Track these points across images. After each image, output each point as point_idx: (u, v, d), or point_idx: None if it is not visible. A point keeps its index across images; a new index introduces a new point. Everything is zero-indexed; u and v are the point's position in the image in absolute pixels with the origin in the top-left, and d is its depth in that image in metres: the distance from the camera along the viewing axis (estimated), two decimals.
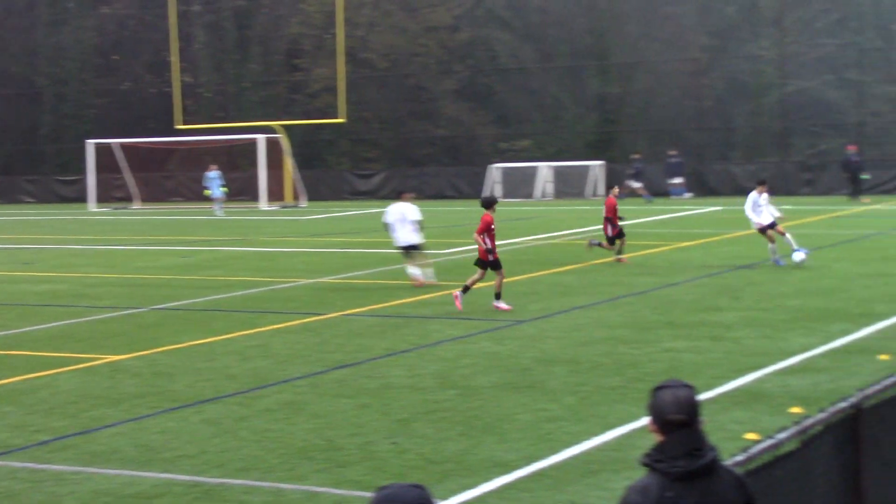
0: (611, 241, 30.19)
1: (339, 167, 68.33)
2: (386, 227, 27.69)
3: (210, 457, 13.00)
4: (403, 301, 24.57)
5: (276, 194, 61.82)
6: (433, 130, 69.57)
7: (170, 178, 68.77)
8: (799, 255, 26.86)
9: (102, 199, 65.58)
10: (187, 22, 69.58)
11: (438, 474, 11.98)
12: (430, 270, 27.23)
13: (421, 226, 27.21)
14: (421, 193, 63.48)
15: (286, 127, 62.83)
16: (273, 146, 61.90)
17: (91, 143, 66.13)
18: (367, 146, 70.11)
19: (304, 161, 65.35)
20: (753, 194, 28.41)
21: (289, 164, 62.25)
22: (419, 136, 69.42)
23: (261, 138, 61.49)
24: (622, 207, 32.18)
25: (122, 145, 66.24)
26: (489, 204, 23.90)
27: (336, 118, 60.97)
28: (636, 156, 59.21)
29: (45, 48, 76.16)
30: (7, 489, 12.14)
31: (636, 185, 57.30)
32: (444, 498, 11.12)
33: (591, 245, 30.79)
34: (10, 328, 22.50)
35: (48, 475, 12.57)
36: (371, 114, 68.84)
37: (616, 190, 32.80)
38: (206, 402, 15.65)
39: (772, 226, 27.91)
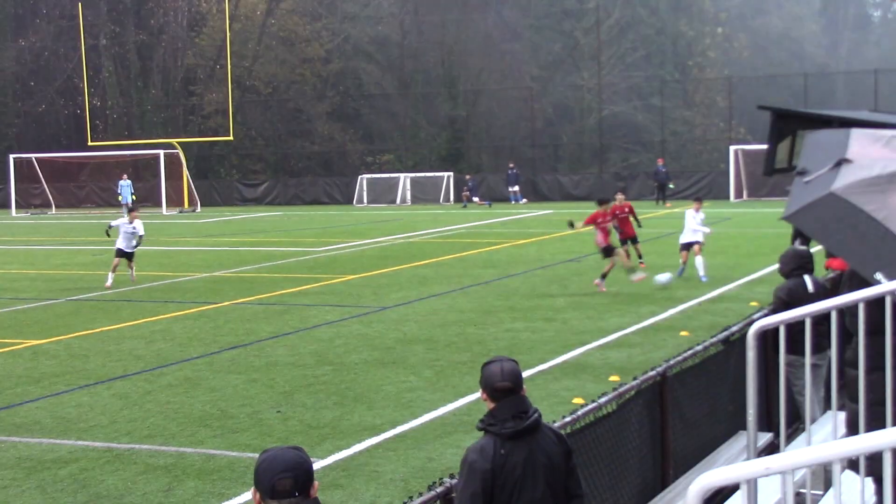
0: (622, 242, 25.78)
1: (230, 178, 67.62)
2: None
3: (120, 426, 12.85)
4: (286, 291, 24.44)
5: (174, 201, 61.01)
6: (309, 146, 69.29)
7: (82, 187, 67.29)
8: (701, 275, 23.56)
9: (22, 206, 64.11)
10: (96, 53, 68.35)
11: (317, 437, 12.00)
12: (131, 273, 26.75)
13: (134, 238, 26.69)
14: (300, 200, 63.24)
15: (183, 143, 62.01)
16: (172, 160, 61.10)
17: (12, 158, 64.61)
18: (253, 160, 69.54)
19: (199, 173, 64.67)
20: (690, 212, 24.57)
21: (186, 175, 61.47)
22: (298, 151, 69.07)
23: (161, 153, 60.66)
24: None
25: (40, 159, 64.79)
26: (602, 202, 23.81)
27: (226, 136, 60.46)
28: (468, 176, 59.45)
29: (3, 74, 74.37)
30: None
31: (475, 198, 57.59)
32: (322, 457, 11.13)
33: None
34: None
35: None
36: (256, 132, 68.34)
37: (621, 196, 27.10)
38: (115, 379, 15.45)
39: (689, 245, 24.22)
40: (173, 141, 62.06)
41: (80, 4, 62.99)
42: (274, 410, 13.34)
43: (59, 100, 71.96)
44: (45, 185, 65.12)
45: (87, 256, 34.55)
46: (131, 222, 26.63)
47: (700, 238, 24.13)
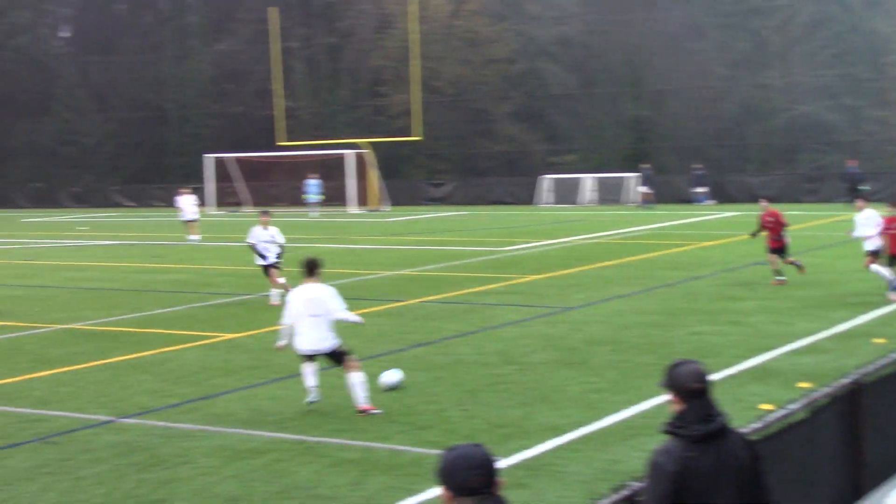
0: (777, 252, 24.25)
1: (416, 177, 68.37)
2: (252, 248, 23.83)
3: (310, 419, 13.18)
4: (470, 290, 24.62)
5: (362, 200, 61.95)
6: (493, 146, 69.51)
7: (274, 186, 68.82)
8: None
9: (219, 203, 66.10)
10: (288, 56, 69.97)
11: (501, 437, 12.07)
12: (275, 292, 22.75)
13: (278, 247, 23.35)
14: (484, 200, 63.44)
15: (371, 144, 62.98)
16: (360, 160, 62.09)
17: (209, 157, 66.68)
18: (439, 160, 70.12)
19: (387, 172, 65.50)
20: (866, 211, 22.57)
21: (373, 174, 62.38)
22: (482, 152, 69.37)
23: (349, 153, 61.71)
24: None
25: (235, 159, 66.67)
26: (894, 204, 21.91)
27: (413, 136, 61.14)
28: (645, 165, 58.58)
29: (172, 78, 76.90)
30: (146, 443, 12.39)
31: (644, 189, 56.54)
32: (507, 456, 11.20)
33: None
34: (146, 310, 22.84)
35: (179, 432, 12.82)
36: (442, 132, 68.88)
37: (765, 204, 25.14)
38: None
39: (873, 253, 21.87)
40: (361, 141, 63.01)
41: (273, 9, 64.68)
42: (459, 408, 13.48)
43: (253, 101, 73.94)
44: (240, 184, 66.99)
45: None
46: (266, 228, 23.38)
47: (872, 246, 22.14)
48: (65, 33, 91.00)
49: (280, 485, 10.71)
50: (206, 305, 23.48)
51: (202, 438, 12.49)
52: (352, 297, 23.81)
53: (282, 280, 22.79)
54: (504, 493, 4.59)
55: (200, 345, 18.50)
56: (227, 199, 67.02)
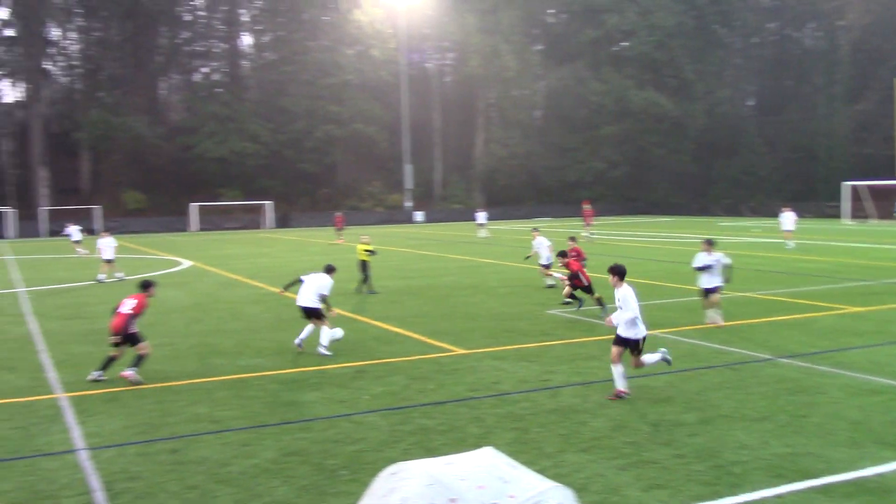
0: None
1: None
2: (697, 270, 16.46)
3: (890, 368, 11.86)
4: None
5: None
6: None
7: (892, 205, 61.71)
8: None
9: (852, 217, 60.81)
10: None
11: None
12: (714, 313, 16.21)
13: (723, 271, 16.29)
14: None
15: None
16: None
17: (845, 184, 61.69)
18: None
19: None
20: None
21: None
22: None
23: None
24: None
25: (867, 186, 60.89)
26: None
27: None
28: None
29: (822, 129, 72.36)
30: (793, 376, 11.88)
31: None
32: None
33: None
34: (797, 286, 21.74)
35: (816, 371, 12.11)
36: None
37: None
38: None
39: None
40: None
41: None
42: None
43: (880, 144, 66.80)
44: (868, 203, 61.04)
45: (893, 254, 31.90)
46: (710, 254, 16.17)
47: None
48: (750, 103, 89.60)
49: (892, 416, 9.85)
50: (837, 287, 21.93)
51: (832, 377, 11.79)
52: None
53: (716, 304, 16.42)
54: None
55: (833, 314, 17.35)
56: (857, 213, 61.59)
